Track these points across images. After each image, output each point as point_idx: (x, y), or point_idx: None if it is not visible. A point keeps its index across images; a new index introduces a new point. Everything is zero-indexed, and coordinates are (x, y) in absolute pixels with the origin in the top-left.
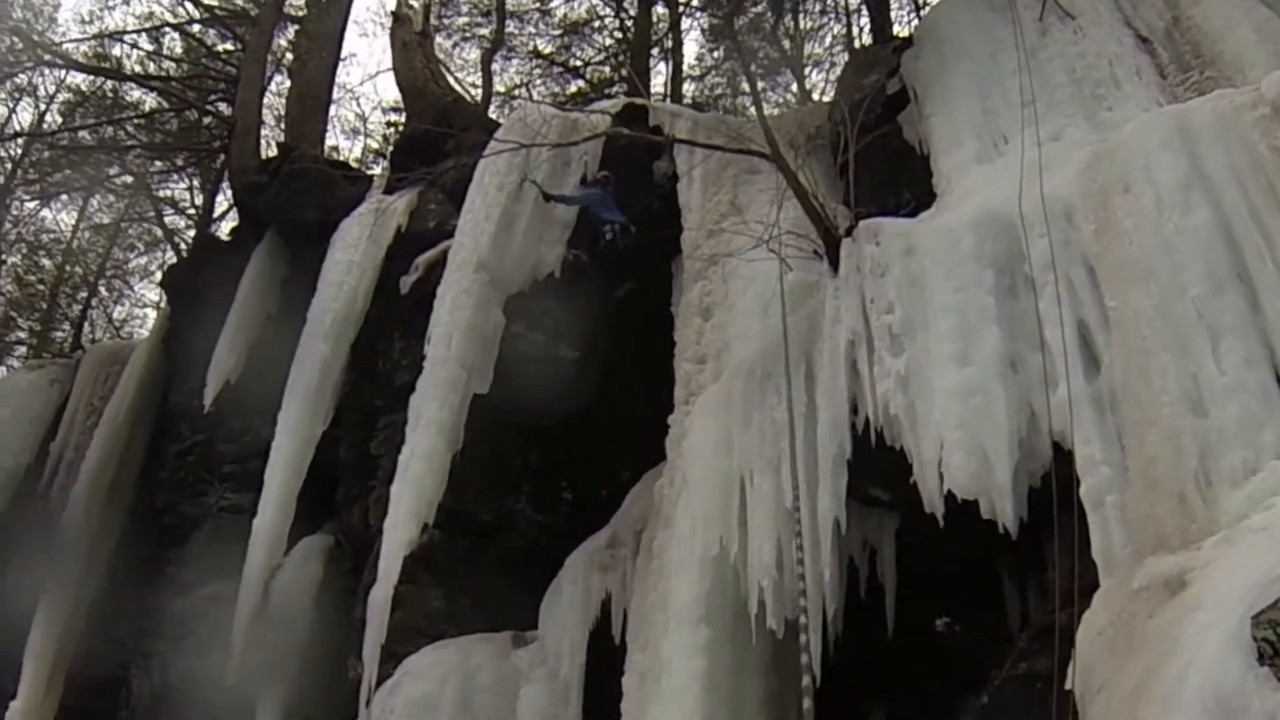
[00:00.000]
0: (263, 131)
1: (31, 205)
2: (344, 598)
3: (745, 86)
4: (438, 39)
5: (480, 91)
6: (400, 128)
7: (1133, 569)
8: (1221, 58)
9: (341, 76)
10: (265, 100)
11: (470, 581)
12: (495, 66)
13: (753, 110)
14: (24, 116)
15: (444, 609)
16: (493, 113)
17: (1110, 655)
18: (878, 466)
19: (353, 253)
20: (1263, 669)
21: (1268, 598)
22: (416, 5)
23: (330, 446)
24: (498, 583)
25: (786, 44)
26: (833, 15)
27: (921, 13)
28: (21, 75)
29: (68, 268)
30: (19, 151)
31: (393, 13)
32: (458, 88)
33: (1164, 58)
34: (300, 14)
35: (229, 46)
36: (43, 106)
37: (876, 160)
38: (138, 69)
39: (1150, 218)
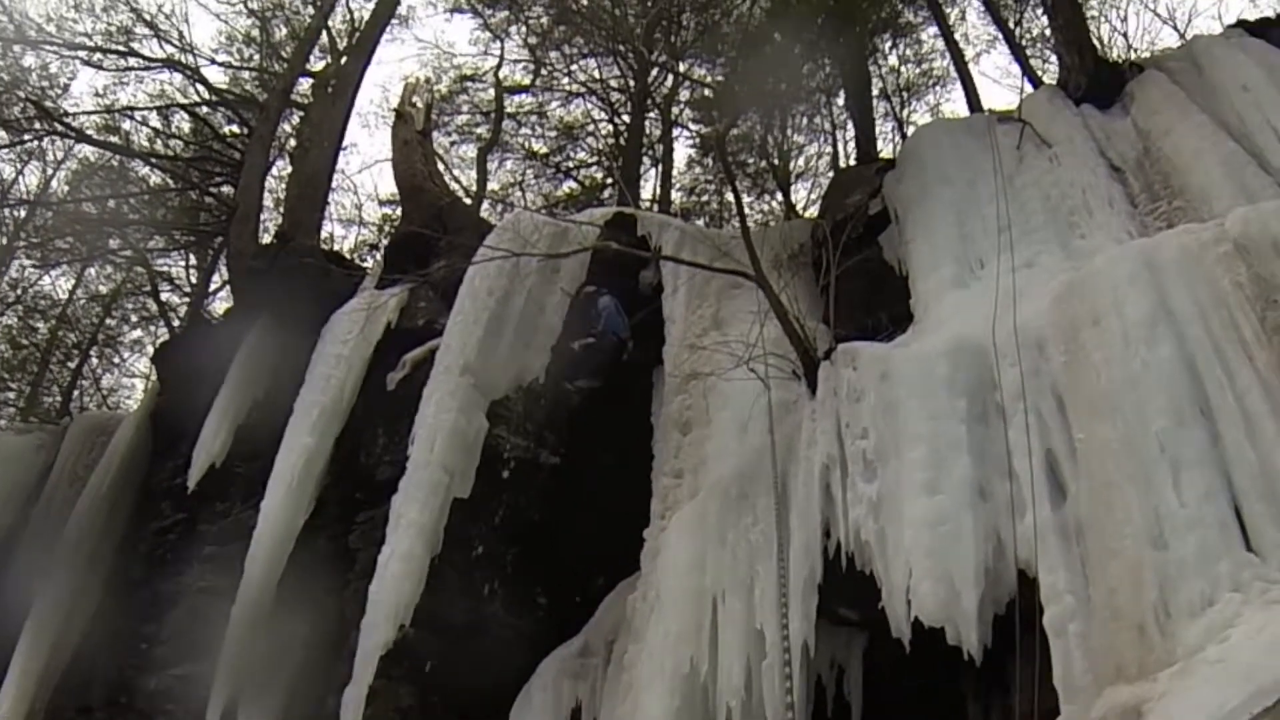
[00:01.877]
0: (262, 215)
1: (31, 269)
2: (319, 688)
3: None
4: (436, 135)
5: (475, 187)
6: (395, 222)
7: (1092, 698)
8: (1189, 189)
9: (341, 164)
10: (266, 184)
11: (442, 680)
12: (490, 164)
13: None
14: (30, 179)
15: (415, 706)
16: (486, 208)
17: None
18: (848, 588)
19: (342, 347)
20: None
21: None
22: (419, 104)
23: (310, 537)
24: (470, 683)
25: (774, 158)
26: (821, 133)
27: (906, 132)
28: (31, 140)
29: (61, 333)
30: (22, 215)
31: (395, 110)
32: (454, 184)
33: (1135, 187)
34: (306, 102)
35: (235, 129)
36: (50, 171)
37: (857, 279)
38: (145, 145)
39: (1118, 351)
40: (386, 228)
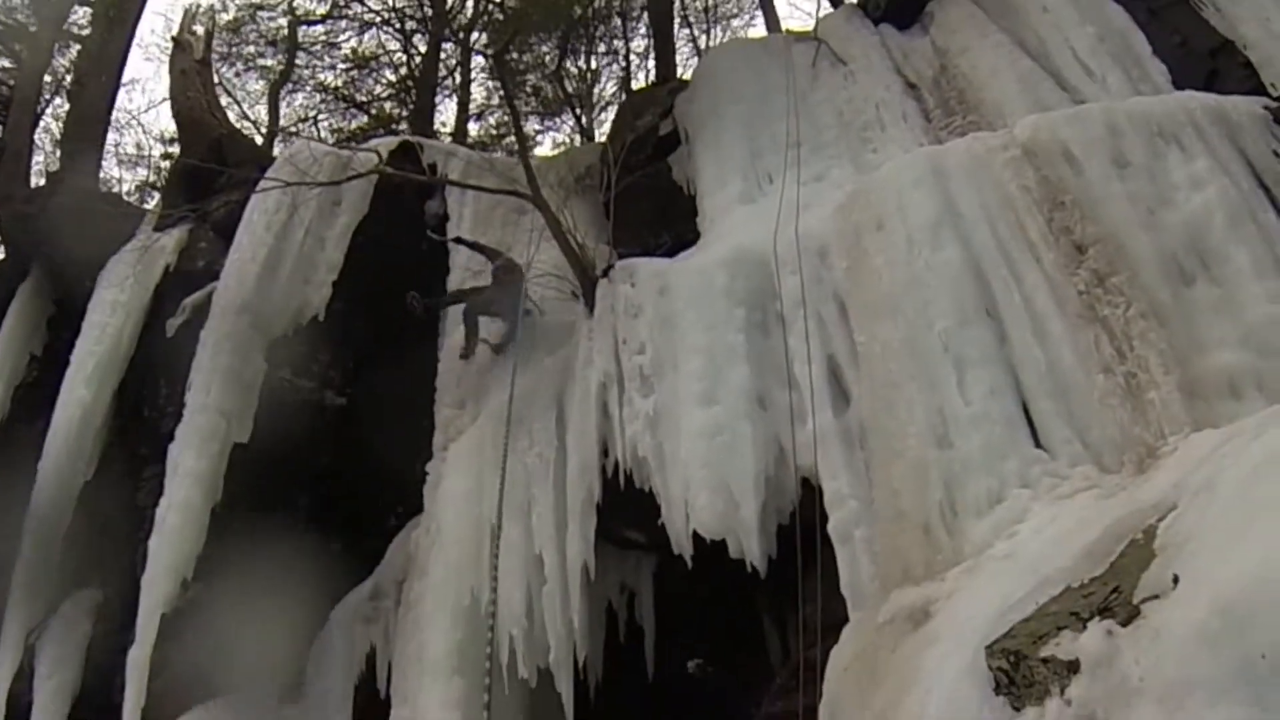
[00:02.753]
0: (36, 158)
1: None
2: (116, 657)
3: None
4: (224, 69)
5: (266, 123)
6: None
7: (879, 603)
8: (984, 104)
9: (123, 101)
10: (41, 123)
11: (238, 637)
12: (281, 98)
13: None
14: None
15: (212, 666)
16: (277, 147)
17: (856, 690)
18: (630, 509)
19: (119, 293)
20: (998, 698)
21: (1002, 626)
22: (200, 31)
23: (95, 496)
24: (266, 636)
25: (569, 84)
26: (618, 58)
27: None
28: None
29: None
30: None
31: (173, 38)
32: (243, 121)
33: (930, 103)
34: (83, 33)
35: (5, 64)
36: None
37: (645, 200)
38: None
39: (901, 254)
40: (169, 167)
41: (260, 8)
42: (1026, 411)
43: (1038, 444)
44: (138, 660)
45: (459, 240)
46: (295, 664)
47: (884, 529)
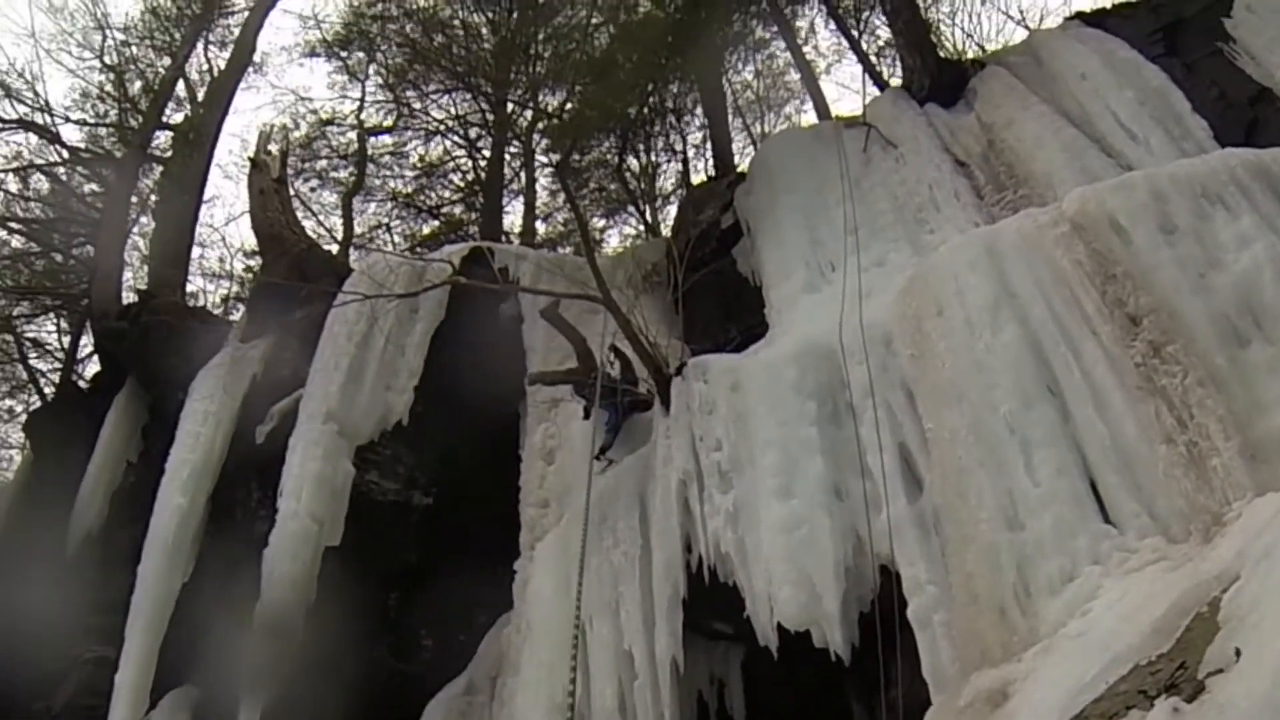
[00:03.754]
0: (126, 274)
1: None
2: None
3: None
4: (298, 183)
5: (341, 232)
6: (258, 274)
7: (960, 685)
8: (1033, 176)
9: (205, 217)
10: (130, 242)
11: None
12: (355, 207)
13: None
14: None
15: None
16: (353, 254)
17: None
18: (715, 601)
19: (209, 403)
20: None
21: (1075, 707)
22: (275, 151)
23: (194, 598)
24: None
25: (630, 180)
26: (675, 153)
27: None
28: None
29: None
30: None
31: (250, 159)
32: (318, 231)
33: (980, 179)
34: (165, 155)
35: (94, 188)
36: None
37: (712, 294)
38: (3, 208)
39: (962, 339)
40: (251, 280)
41: (330, 123)
42: (1094, 486)
43: (1106, 519)
44: None
45: (544, 315)
46: None
47: (961, 613)
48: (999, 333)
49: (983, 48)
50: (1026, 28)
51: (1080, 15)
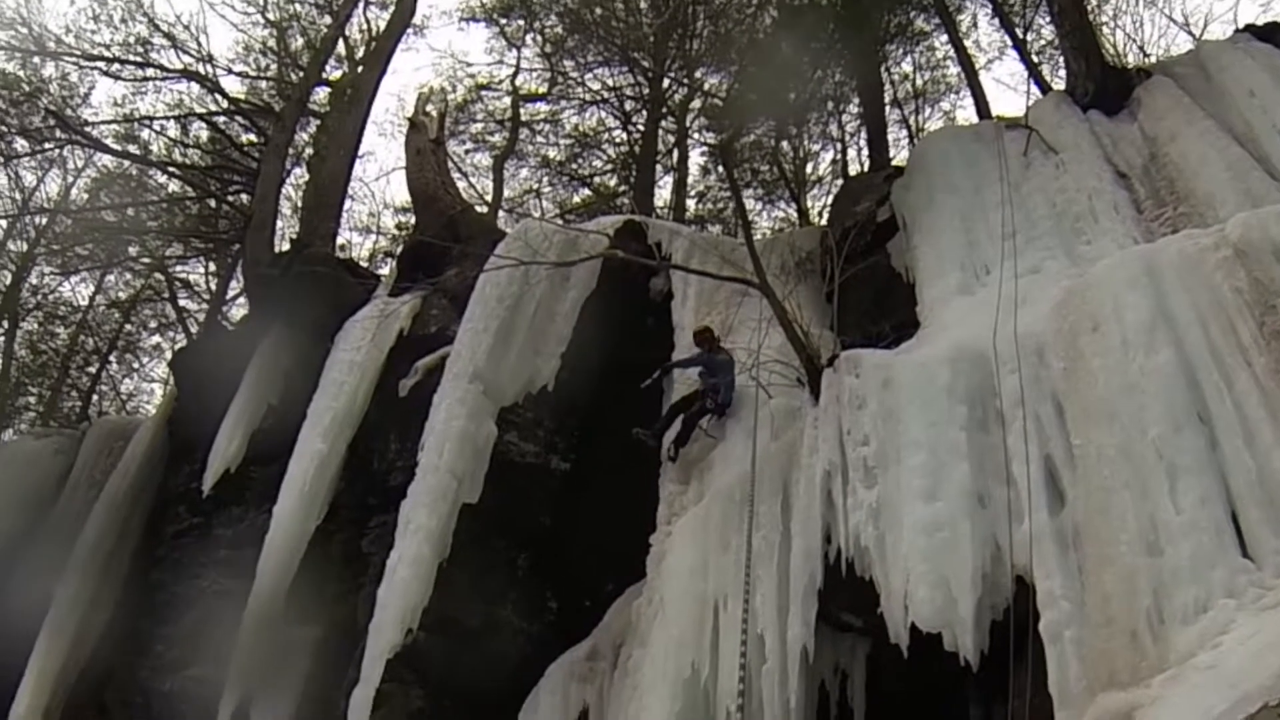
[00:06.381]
0: (278, 222)
1: (51, 275)
2: (331, 690)
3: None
4: (451, 144)
5: (491, 195)
6: (409, 230)
7: (1085, 704)
8: (1194, 194)
9: (357, 172)
10: (283, 191)
11: (453, 683)
12: (506, 172)
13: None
14: (51, 188)
15: (426, 709)
16: (501, 217)
17: None
18: (849, 594)
19: (355, 353)
20: None
21: None
22: (433, 113)
23: (323, 541)
24: (480, 686)
25: (786, 165)
26: (833, 141)
27: (917, 139)
28: (52, 149)
29: (81, 339)
30: (43, 222)
31: (409, 119)
32: (469, 192)
33: (1141, 193)
34: (322, 110)
35: (252, 138)
36: (70, 179)
37: (864, 286)
38: (163, 154)
39: (1116, 357)
40: (401, 236)
41: (486, 87)
42: (1235, 519)
43: (1245, 553)
44: (362, 700)
45: (672, 365)
46: (508, 714)
47: (1093, 632)
48: (1154, 355)
49: (1144, 51)
50: (1190, 33)
51: (1251, 28)
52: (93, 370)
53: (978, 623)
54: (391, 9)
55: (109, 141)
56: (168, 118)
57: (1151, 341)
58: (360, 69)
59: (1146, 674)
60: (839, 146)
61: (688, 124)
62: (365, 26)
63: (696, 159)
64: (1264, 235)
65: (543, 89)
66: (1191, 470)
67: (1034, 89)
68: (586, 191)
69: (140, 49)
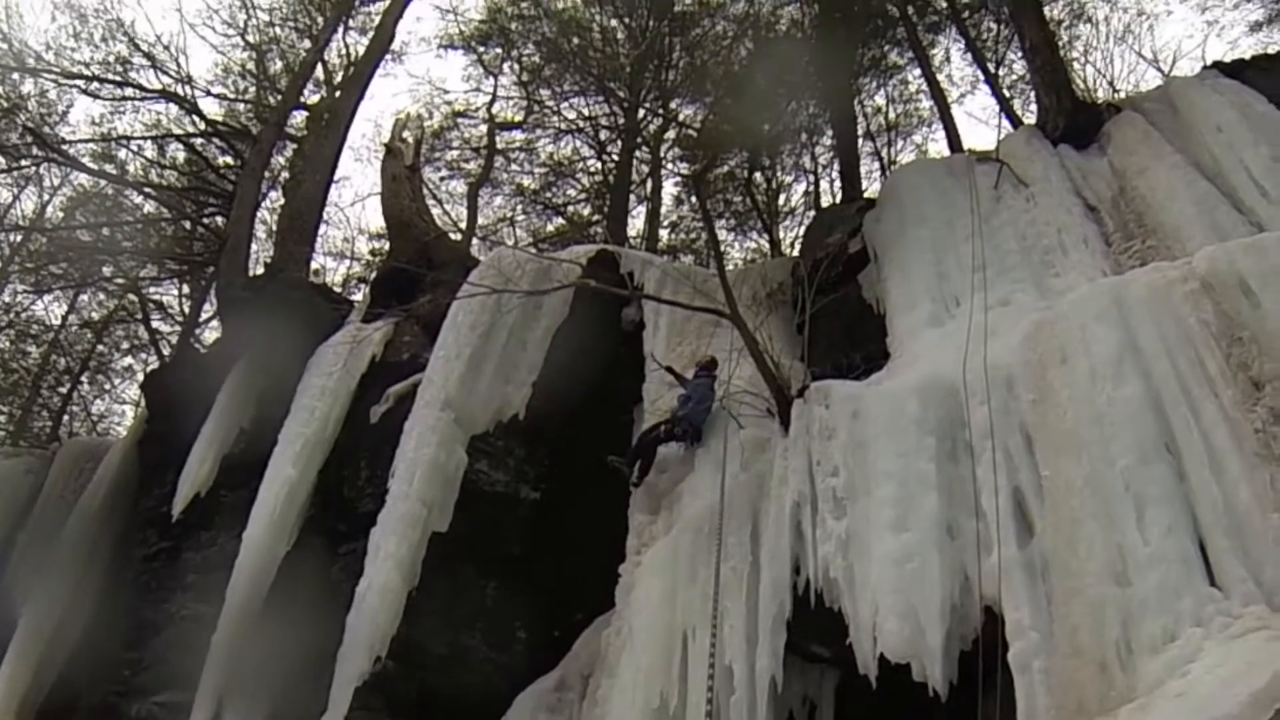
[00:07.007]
0: (253, 246)
1: (24, 293)
2: (300, 717)
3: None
4: (427, 171)
5: (465, 222)
6: (383, 256)
7: None
8: (1163, 227)
9: (333, 197)
10: (258, 215)
11: (421, 712)
12: (481, 199)
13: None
14: (26, 205)
15: None
16: (475, 245)
17: None
18: (818, 625)
19: (327, 379)
20: None
21: None
22: (409, 139)
23: (293, 568)
24: (448, 715)
25: (758, 196)
26: (806, 172)
27: (890, 171)
28: (28, 166)
29: (52, 358)
30: (17, 240)
31: (385, 145)
32: (443, 219)
33: (1110, 226)
34: (299, 134)
35: (229, 160)
36: (46, 197)
37: (835, 318)
38: (140, 174)
39: (1085, 389)
40: (375, 262)
41: (462, 114)
42: (1203, 549)
43: (1212, 582)
44: None
45: (665, 368)
46: None
47: (1062, 663)
48: (1121, 386)
49: (1114, 87)
50: (1160, 70)
51: (1219, 65)
52: (64, 390)
53: (946, 653)
54: (371, 34)
55: (86, 160)
56: (145, 138)
57: (1120, 373)
58: (338, 94)
59: (1115, 704)
60: (812, 178)
61: (662, 154)
62: (344, 51)
63: (670, 189)
64: (1230, 268)
65: (519, 117)
66: (1159, 501)
67: (1005, 123)
68: (560, 220)
69: (120, 68)
